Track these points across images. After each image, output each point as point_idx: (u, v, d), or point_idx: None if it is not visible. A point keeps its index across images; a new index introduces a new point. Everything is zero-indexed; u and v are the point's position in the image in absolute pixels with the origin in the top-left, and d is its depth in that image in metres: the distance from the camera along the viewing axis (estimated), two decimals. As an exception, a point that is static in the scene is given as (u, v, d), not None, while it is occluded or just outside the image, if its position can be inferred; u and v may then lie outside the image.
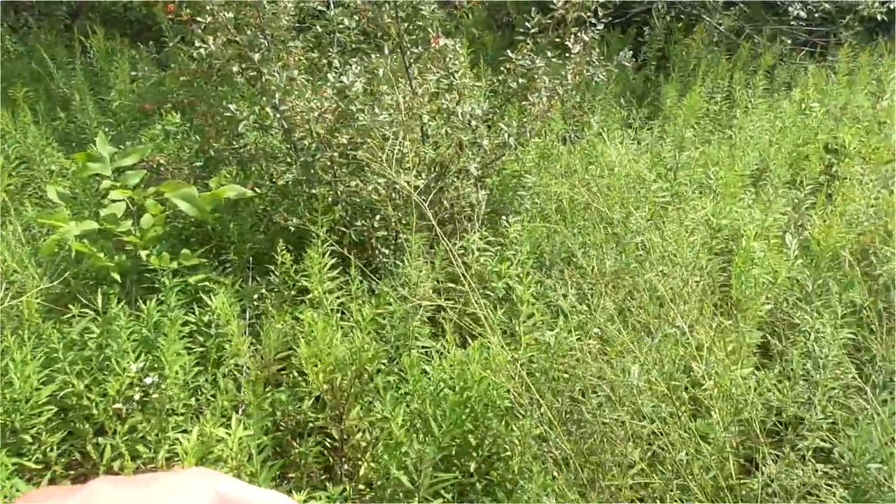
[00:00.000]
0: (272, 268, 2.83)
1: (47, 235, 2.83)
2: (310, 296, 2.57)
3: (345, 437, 2.24)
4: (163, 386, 2.03)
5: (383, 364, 2.30)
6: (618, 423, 1.67)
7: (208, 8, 2.70)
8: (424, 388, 2.10)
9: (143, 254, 2.38)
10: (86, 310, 2.50)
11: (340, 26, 3.17)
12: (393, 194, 2.96)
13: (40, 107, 4.56)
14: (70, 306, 2.48)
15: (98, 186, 3.36)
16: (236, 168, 3.30)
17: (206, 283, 2.77)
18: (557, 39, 3.38)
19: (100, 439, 2.22)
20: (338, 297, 2.65)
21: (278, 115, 2.63)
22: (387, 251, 3.14)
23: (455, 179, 3.01)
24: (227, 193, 2.53)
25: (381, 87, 3.00)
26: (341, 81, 2.57)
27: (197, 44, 2.63)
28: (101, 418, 2.19)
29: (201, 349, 2.36)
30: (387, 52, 2.79)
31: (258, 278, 2.94)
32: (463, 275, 1.95)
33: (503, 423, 2.07)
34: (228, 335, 2.34)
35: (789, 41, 6.55)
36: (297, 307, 2.65)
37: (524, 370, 2.07)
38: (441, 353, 2.26)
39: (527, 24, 3.26)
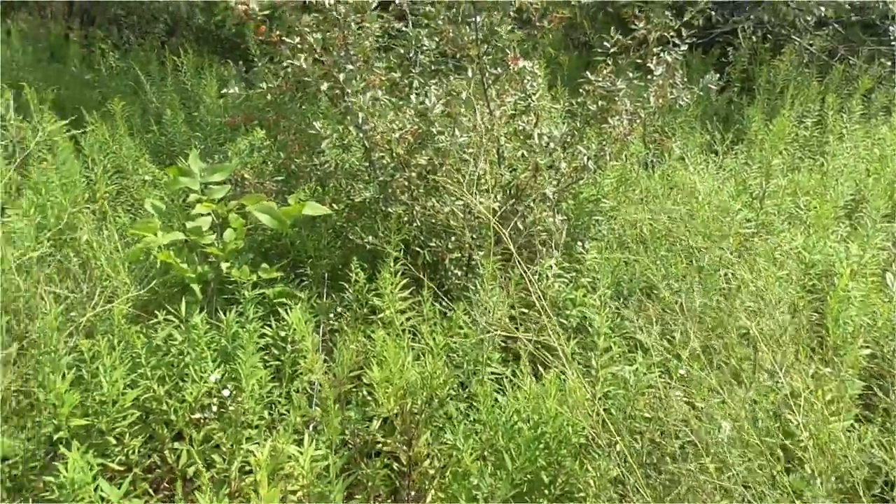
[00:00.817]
0: (346, 285, 2.86)
1: (135, 243, 2.96)
2: (381, 315, 2.57)
3: (413, 462, 2.22)
4: (239, 399, 2.07)
5: (453, 390, 2.28)
6: (703, 472, 1.58)
7: (297, 29, 2.77)
8: (497, 418, 2.06)
9: (224, 266, 2.45)
10: (170, 317, 2.60)
11: (422, 47, 3.20)
12: (468, 216, 2.95)
13: (135, 120, 4.80)
14: (156, 313, 2.57)
15: (185, 200, 3.50)
16: (315, 184, 3.36)
17: (283, 296, 2.82)
18: (639, 60, 3.31)
19: (177, 445, 2.28)
20: (409, 318, 2.65)
21: (360, 135, 2.66)
22: (459, 273, 3.12)
23: (531, 203, 2.97)
24: (305, 210, 2.58)
25: (459, 109, 3.00)
26: (423, 103, 2.58)
27: (285, 63, 2.70)
28: (178, 424, 2.25)
29: (276, 363, 2.40)
30: (470, 74, 2.79)
31: (333, 294, 2.98)
32: (541, 305, 1.91)
33: (577, 461, 2.00)
34: (303, 351, 2.37)
35: (889, 63, 6.20)
36: (369, 326, 2.66)
37: (601, 406, 2.00)
38: (514, 383, 2.22)
39: (606, 44, 3.20)
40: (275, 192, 3.25)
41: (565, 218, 3.03)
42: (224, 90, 2.98)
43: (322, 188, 3.18)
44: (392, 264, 2.59)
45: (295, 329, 2.36)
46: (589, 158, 3.10)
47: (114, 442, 2.11)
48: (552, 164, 2.86)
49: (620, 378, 2.32)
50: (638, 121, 3.17)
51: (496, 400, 2.11)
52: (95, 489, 1.86)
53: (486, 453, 2.09)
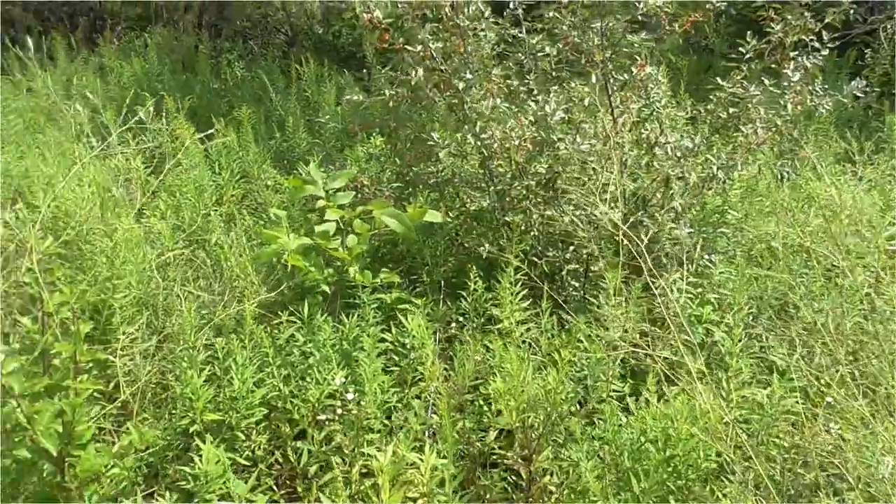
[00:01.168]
0: (463, 293, 2.85)
1: (259, 245, 3.08)
2: (500, 326, 2.54)
3: (532, 477, 2.17)
4: (362, 403, 2.10)
5: (575, 406, 2.21)
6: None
7: (419, 37, 2.80)
8: (622, 438, 1.98)
9: (351, 270, 2.51)
10: (292, 318, 2.69)
11: (540, 54, 3.15)
12: (587, 226, 2.87)
13: (260, 127, 5.04)
14: (279, 314, 2.66)
15: (305, 204, 3.62)
16: (433, 192, 3.39)
17: (400, 303, 2.85)
18: (772, 66, 3.12)
19: (299, 443, 2.35)
20: (528, 329, 2.60)
21: (478, 143, 2.65)
22: (576, 284, 3.05)
23: (656, 213, 2.85)
24: (426, 217, 2.59)
25: (579, 116, 2.93)
26: (544, 110, 2.53)
27: (409, 72, 2.74)
28: (301, 423, 2.32)
29: (395, 368, 2.42)
30: (594, 80, 2.72)
31: (448, 302, 2.98)
32: (674, 322, 1.82)
33: (707, 487, 1.89)
34: (422, 357, 2.38)
35: None
36: (486, 335, 2.64)
37: (734, 430, 1.88)
38: (639, 402, 2.13)
39: (741, 49, 3.04)
40: (392, 199, 3.30)
41: (692, 230, 2.88)
42: (345, 97, 3.06)
43: (440, 195, 3.19)
44: (512, 273, 2.56)
45: (415, 336, 2.37)
46: (719, 168, 2.95)
47: (242, 437, 2.19)
48: (681, 175, 2.74)
49: (753, 401, 2.18)
50: (773, 129, 2.99)
51: (621, 419, 2.03)
52: (225, 482, 1.93)
53: (609, 473, 2.01)
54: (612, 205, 2.89)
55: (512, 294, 2.55)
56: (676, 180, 2.76)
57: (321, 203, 2.57)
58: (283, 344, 2.53)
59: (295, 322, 2.66)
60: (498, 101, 2.63)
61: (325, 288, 2.53)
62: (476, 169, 3.21)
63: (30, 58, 6.80)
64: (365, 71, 4.29)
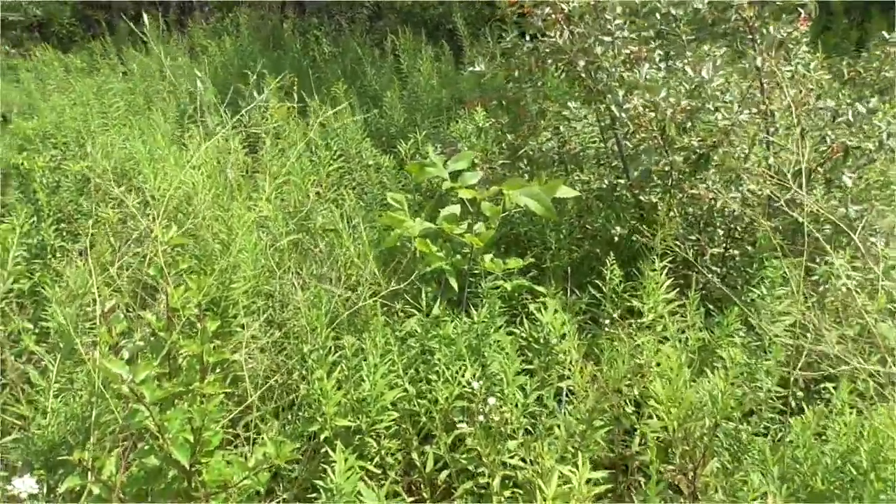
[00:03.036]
0: (592, 281, 2.59)
1: (372, 229, 2.89)
2: (644, 320, 2.27)
3: (694, 493, 1.91)
4: (502, 408, 1.88)
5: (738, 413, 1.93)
6: None
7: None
8: (813, 455, 1.69)
9: (486, 259, 2.28)
10: (409, 306, 2.49)
11: (678, 13, 2.80)
12: (741, 205, 2.54)
13: (355, 102, 4.86)
14: (395, 302, 2.48)
15: (417, 188, 3.42)
16: (549, 168, 3.11)
17: (521, 289, 2.61)
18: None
19: (426, 448, 2.16)
20: (674, 323, 2.32)
21: (621, 114, 2.36)
22: (722, 270, 2.73)
23: (820, 188, 2.49)
24: (557, 192, 2.32)
25: (733, 81, 2.59)
26: (701, 76, 2.21)
27: (543, 37, 2.46)
28: (430, 427, 2.13)
29: (528, 366, 2.19)
30: (760, 41, 2.35)
31: (576, 290, 2.72)
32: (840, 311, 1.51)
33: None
34: (562, 354, 2.14)
35: None
36: (625, 328, 2.37)
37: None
38: (828, 415, 1.82)
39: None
40: (505, 177, 3.05)
41: (862, 207, 2.51)
42: (468, 69, 2.80)
43: (565, 171, 2.91)
44: (658, 260, 2.27)
45: (550, 330, 2.13)
46: (890, 136, 2.55)
47: (372, 443, 2.02)
48: (858, 145, 2.36)
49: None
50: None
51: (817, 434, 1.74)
52: (357, 495, 1.77)
53: (793, 491, 1.73)
54: (768, 180, 2.55)
55: (656, 283, 2.27)
56: (854, 151, 2.38)
57: (447, 185, 2.35)
58: (403, 338, 2.34)
59: (412, 311, 2.46)
60: (646, 67, 2.32)
61: (453, 280, 2.32)
62: (604, 142, 2.92)
63: (126, 41, 6.90)
64: (487, 38, 4.00)
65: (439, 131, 4.08)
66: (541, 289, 2.62)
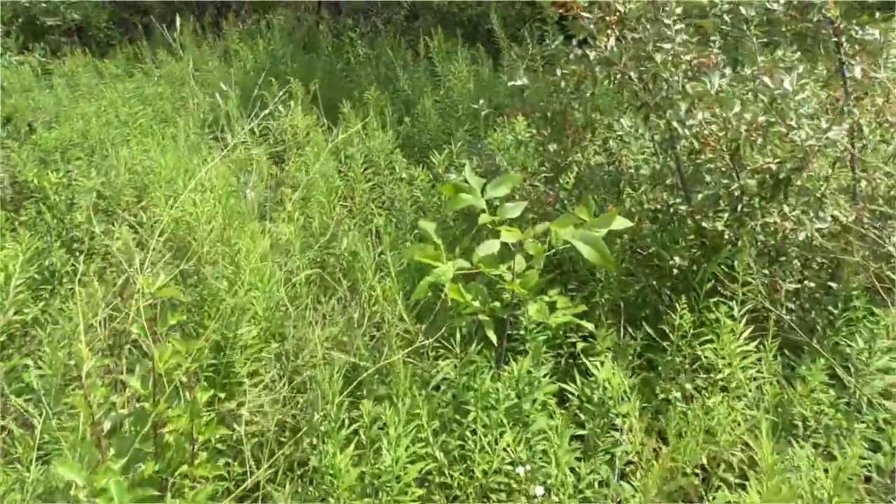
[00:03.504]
0: (654, 318, 2.26)
1: (399, 259, 2.58)
2: (720, 376, 1.93)
3: None
4: (554, 497, 1.57)
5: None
6: None
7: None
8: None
9: (531, 308, 1.96)
10: (440, 348, 2.20)
11: (751, 14, 2.44)
12: (821, 236, 2.19)
13: (387, 108, 4.58)
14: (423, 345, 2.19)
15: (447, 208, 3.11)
16: (595, 188, 2.78)
17: (567, 326, 2.30)
18: None
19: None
20: (752, 377, 1.98)
21: (685, 131, 2.03)
22: (793, 308, 2.37)
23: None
24: (613, 224, 2.00)
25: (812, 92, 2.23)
26: (782, 87, 1.87)
27: (594, 40, 2.15)
28: (462, 499, 1.83)
29: (581, 431, 1.87)
30: (849, 45, 2.00)
31: (628, 326, 2.39)
32: None
33: None
34: (615, 416, 1.83)
35: None
36: (692, 381, 2.04)
37: None
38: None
39: None
40: (552, 199, 2.73)
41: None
42: (509, 82, 2.49)
43: (618, 192, 2.58)
44: (736, 305, 1.94)
45: (606, 388, 1.82)
46: None
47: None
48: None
49: None
50: None
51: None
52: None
53: None
54: (854, 206, 2.19)
55: (734, 332, 1.93)
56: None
57: (485, 218, 2.04)
58: (434, 393, 2.03)
59: (444, 351, 2.17)
60: (717, 78, 1.98)
61: (491, 333, 2.01)
62: (659, 162, 2.58)
63: (161, 45, 6.76)
64: (526, 41, 3.69)
65: (476, 142, 3.77)
66: (590, 325, 2.30)
